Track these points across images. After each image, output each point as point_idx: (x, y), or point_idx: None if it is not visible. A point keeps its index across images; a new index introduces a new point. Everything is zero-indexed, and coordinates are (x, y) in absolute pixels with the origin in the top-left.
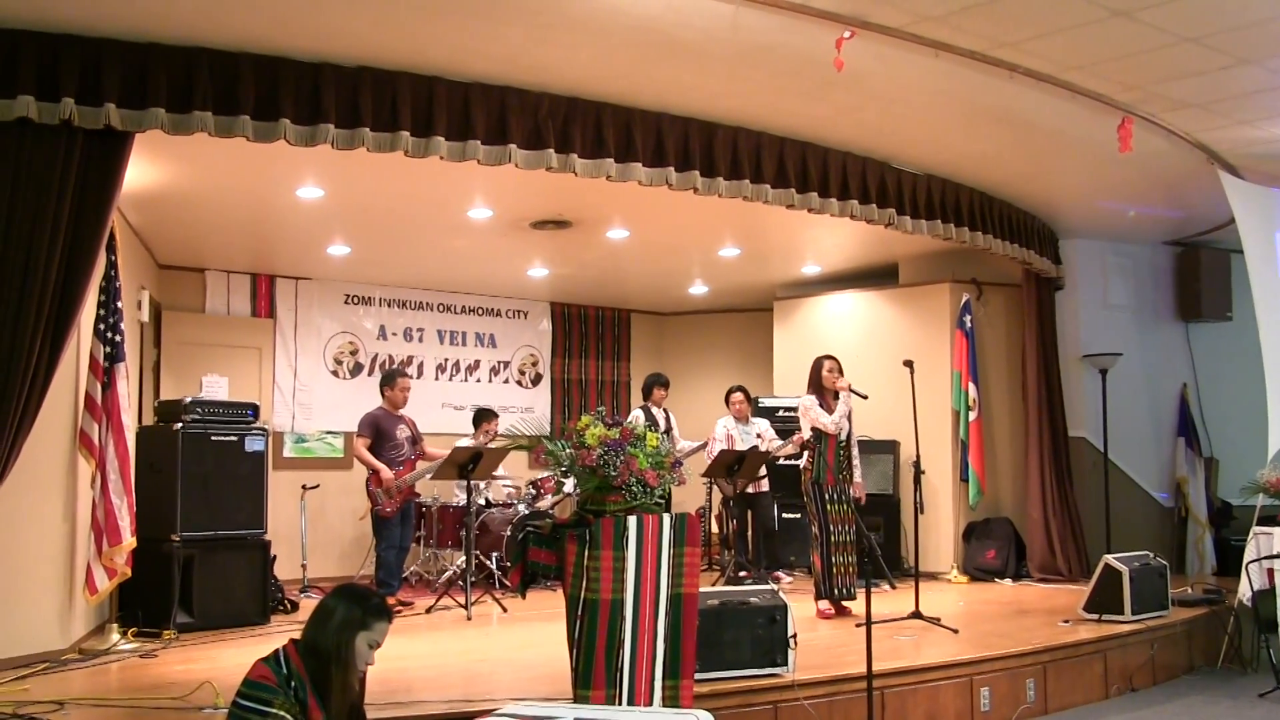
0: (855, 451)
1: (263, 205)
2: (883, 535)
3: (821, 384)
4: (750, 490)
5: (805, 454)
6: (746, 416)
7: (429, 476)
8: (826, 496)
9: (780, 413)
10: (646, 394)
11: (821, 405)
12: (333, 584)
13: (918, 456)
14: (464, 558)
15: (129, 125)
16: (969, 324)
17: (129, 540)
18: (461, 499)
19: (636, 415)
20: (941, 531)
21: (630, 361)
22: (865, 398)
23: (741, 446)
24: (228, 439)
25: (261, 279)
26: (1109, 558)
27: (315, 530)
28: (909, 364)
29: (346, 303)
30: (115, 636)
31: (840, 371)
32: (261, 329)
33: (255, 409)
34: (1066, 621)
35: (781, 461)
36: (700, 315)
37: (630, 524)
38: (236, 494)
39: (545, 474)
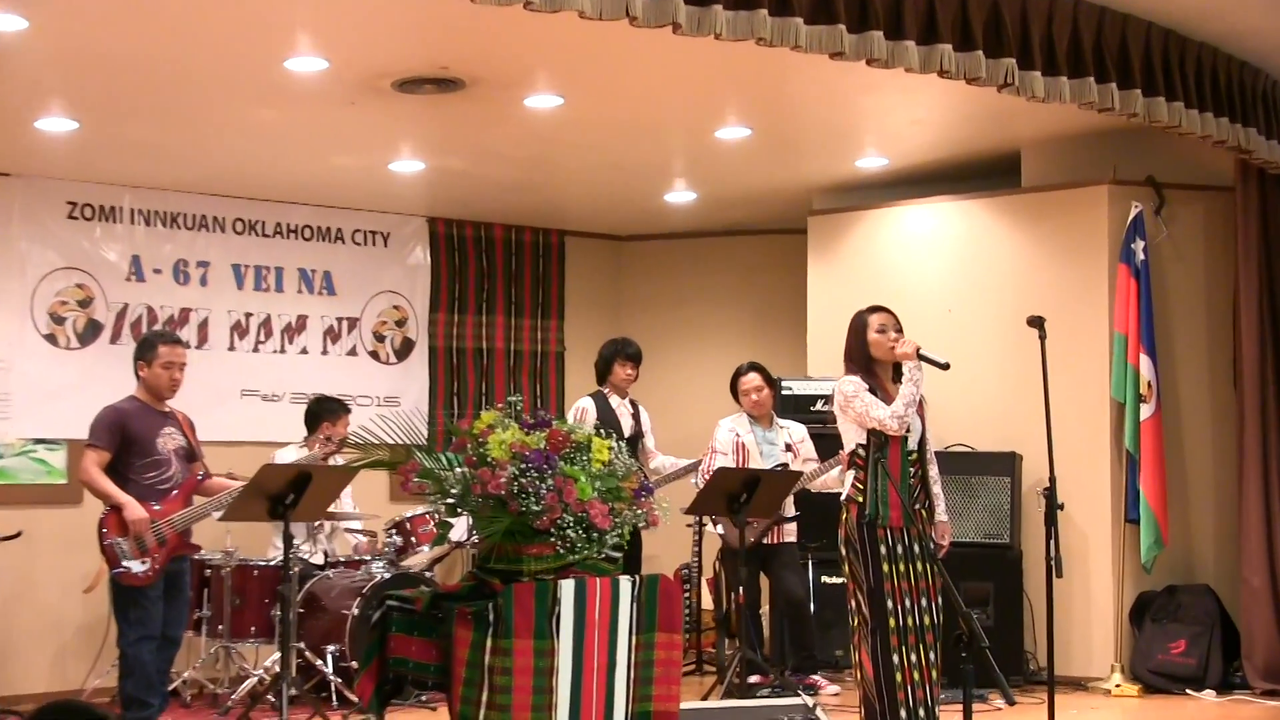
0: (934, 469)
1: None
2: (992, 614)
3: (869, 353)
4: (768, 540)
5: (849, 477)
6: (770, 415)
7: (216, 517)
8: (886, 550)
9: (819, 405)
10: (602, 374)
11: (873, 390)
12: (39, 706)
13: (1051, 480)
14: (278, 656)
15: None
16: (1141, 255)
17: None
18: (276, 555)
19: (582, 409)
20: (1094, 608)
21: (564, 319)
22: (946, 367)
23: (761, 463)
24: None
25: None
26: None
27: (13, 611)
28: (1037, 323)
29: (71, 217)
30: None
31: (899, 329)
32: None
33: None
34: None
35: (819, 489)
36: (684, 240)
37: (565, 594)
38: None
39: (419, 510)
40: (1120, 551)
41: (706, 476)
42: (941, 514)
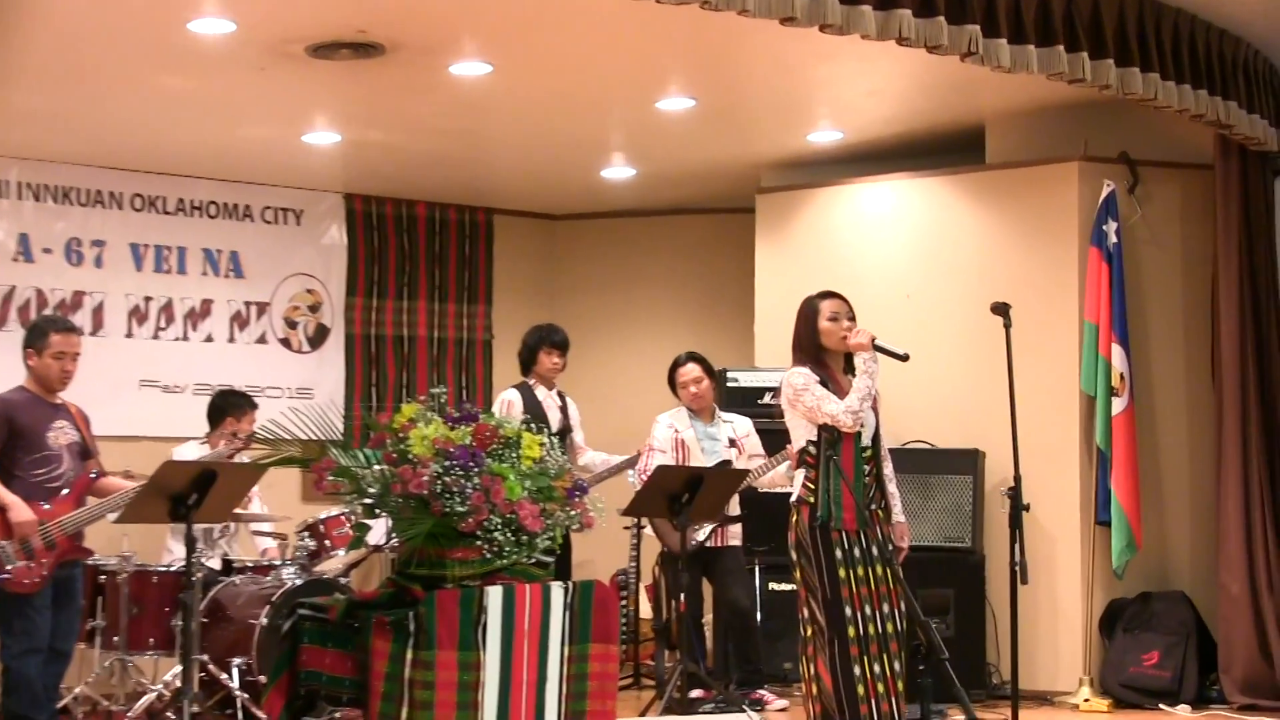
0: (889, 467)
1: None
2: (952, 623)
3: (819, 343)
4: (712, 543)
5: (798, 476)
6: (711, 408)
7: (111, 518)
8: (841, 553)
9: (767, 398)
10: (527, 364)
11: (825, 382)
12: None
13: (1016, 480)
14: (179, 669)
15: None
16: (1114, 238)
17: None
18: (177, 560)
19: (507, 402)
20: (1062, 617)
21: (492, 304)
22: (905, 359)
23: (702, 460)
24: None
25: None
26: None
27: None
28: (1001, 310)
29: None
30: None
31: (852, 317)
32: None
33: None
34: None
35: (765, 489)
36: (623, 220)
37: (491, 602)
38: None
39: (333, 512)
40: (1090, 556)
41: (644, 476)
42: (898, 514)
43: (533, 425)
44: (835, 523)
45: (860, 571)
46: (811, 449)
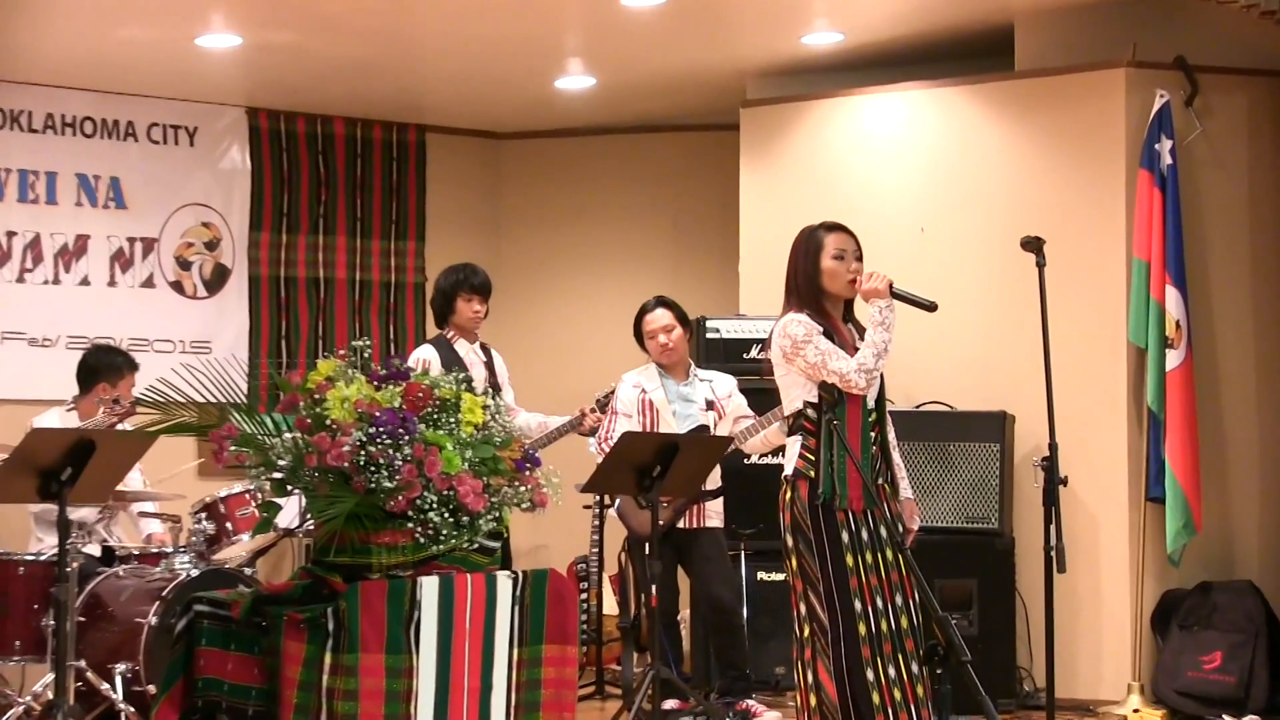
0: (891, 433)
1: None
2: (976, 620)
3: (819, 284)
4: (684, 524)
5: (793, 445)
6: (685, 364)
7: None
8: (848, 537)
9: (754, 352)
10: (443, 313)
11: (828, 334)
12: None
13: (1052, 448)
14: (51, 678)
15: None
16: (1168, 159)
17: None
18: (47, 548)
19: (423, 360)
20: (1106, 612)
21: (425, 240)
22: (932, 308)
23: (674, 425)
24: None
25: None
26: None
27: None
28: (1033, 246)
29: None
30: None
31: (859, 257)
32: None
33: None
34: None
35: (754, 460)
36: (580, 139)
37: (426, 595)
38: None
39: (236, 489)
40: (1140, 539)
41: (606, 445)
42: (906, 489)
43: (473, 385)
44: (840, 501)
45: (869, 558)
46: (810, 413)
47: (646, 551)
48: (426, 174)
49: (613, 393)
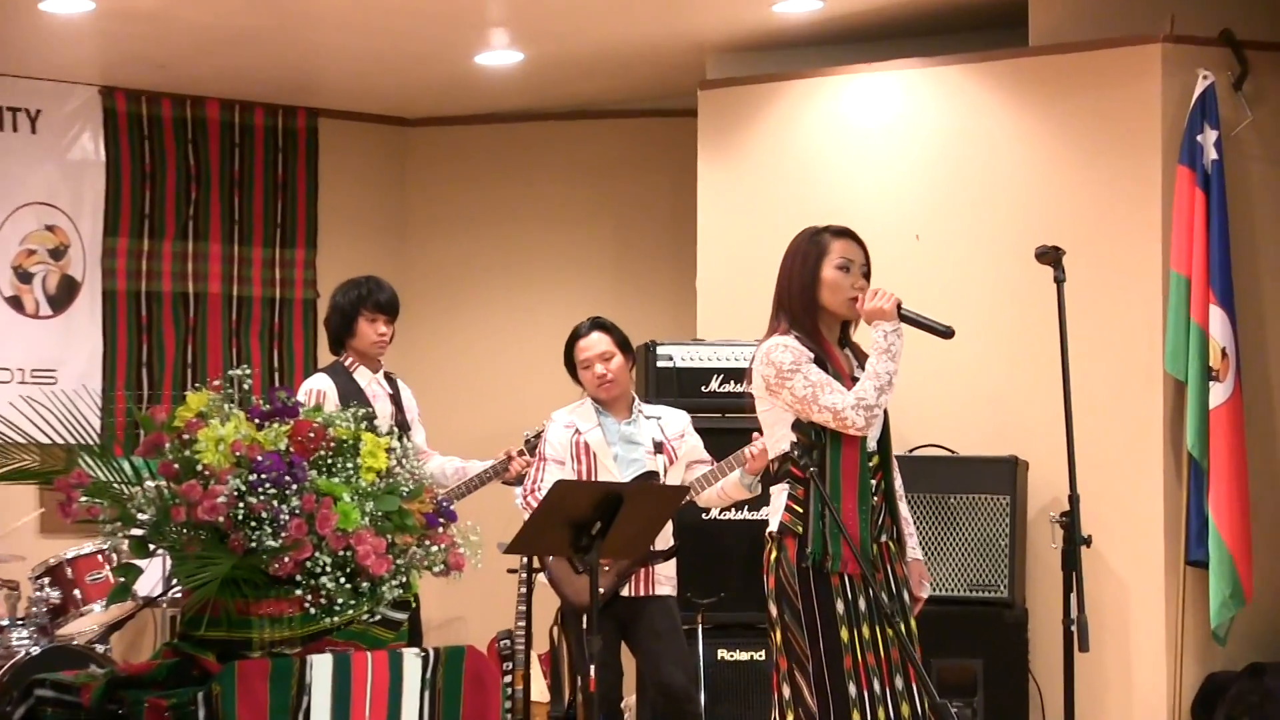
0: (899, 481)
1: None
2: (981, 707)
3: (817, 298)
4: (629, 592)
5: (779, 495)
6: (628, 398)
7: None
8: (844, 606)
9: (715, 384)
10: (340, 335)
11: (821, 362)
12: None
13: (1073, 502)
14: None
15: None
16: (1213, 154)
17: None
18: None
19: (317, 391)
20: (1138, 698)
21: (317, 247)
22: (948, 334)
23: (615, 473)
24: None
25: None
26: None
27: None
28: (1050, 257)
29: None
30: None
31: (866, 267)
32: None
33: None
34: None
35: (715, 514)
36: (506, 126)
37: (317, 676)
38: None
39: (87, 548)
40: (1178, 611)
41: (535, 497)
42: (914, 549)
43: (363, 422)
44: (833, 564)
45: (866, 632)
46: (799, 456)
47: (584, 626)
48: (319, 168)
49: (543, 433)
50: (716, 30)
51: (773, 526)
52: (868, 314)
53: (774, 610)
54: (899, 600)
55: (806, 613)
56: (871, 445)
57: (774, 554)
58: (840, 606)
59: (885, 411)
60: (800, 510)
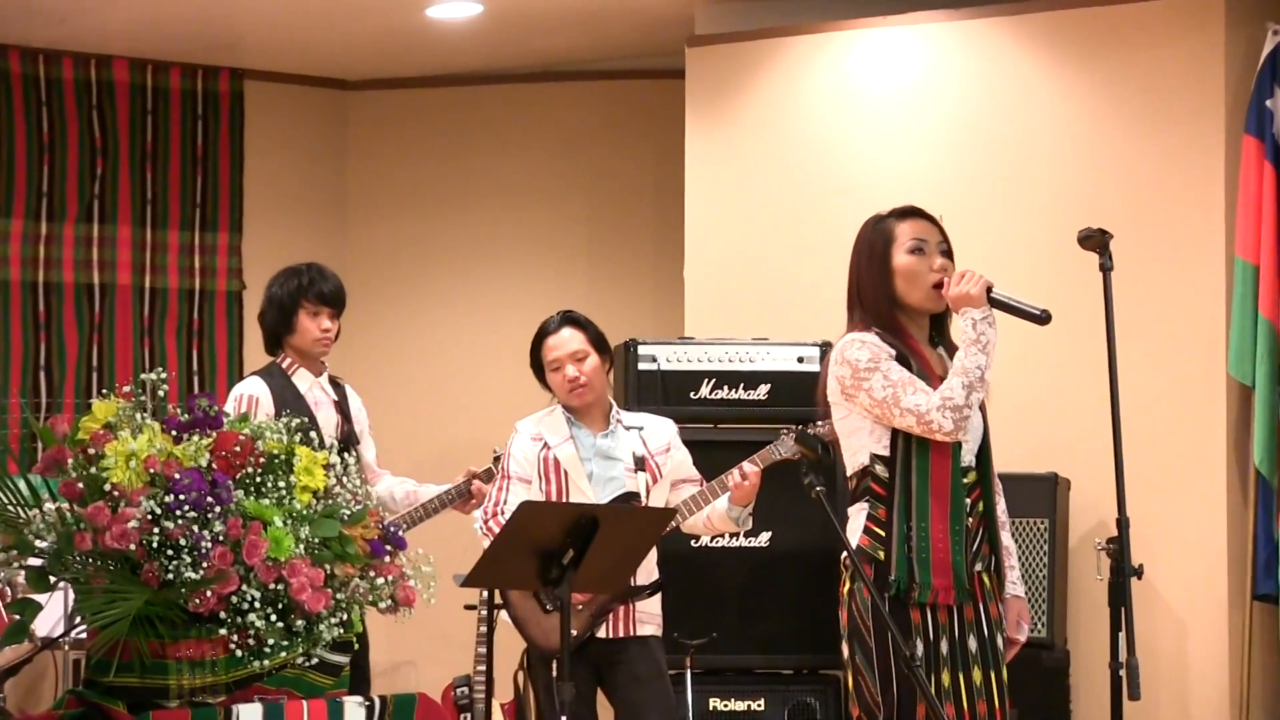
0: (1001, 502)
1: None
2: None
3: (893, 291)
4: (607, 633)
5: (858, 515)
6: (604, 406)
7: None
8: (922, 649)
9: (705, 390)
10: (277, 333)
11: (904, 361)
12: None
13: (1122, 527)
14: None
15: None
16: None
17: None
18: None
19: (249, 398)
20: None
21: (243, 230)
22: (1045, 320)
23: (589, 492)
24: None
25: None
26: None
27: None
28: (1095, 243)
29: None
30: None
31: (946, 245)
32: None
33: None
34: None
35: (705, 541)
36: (461, 89)
37: None
38: None
39: None
40: (1244, 652)
41: (496, 522)
42: (1015, 584)
43: (300, 435)
44: (920, 593)
45: (947, 679)
46: (881, 470)
47: (553, 671)
48: (244, 138)
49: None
50: None
51: (847, 553)
52: (954, 300)
53: (845, 650)
54: (991, 644)
55: (880, 656)
56: (967, 459)
57: (847, 585)
58: (920, 648)
59: (985, 424)
60: (882, 533)
